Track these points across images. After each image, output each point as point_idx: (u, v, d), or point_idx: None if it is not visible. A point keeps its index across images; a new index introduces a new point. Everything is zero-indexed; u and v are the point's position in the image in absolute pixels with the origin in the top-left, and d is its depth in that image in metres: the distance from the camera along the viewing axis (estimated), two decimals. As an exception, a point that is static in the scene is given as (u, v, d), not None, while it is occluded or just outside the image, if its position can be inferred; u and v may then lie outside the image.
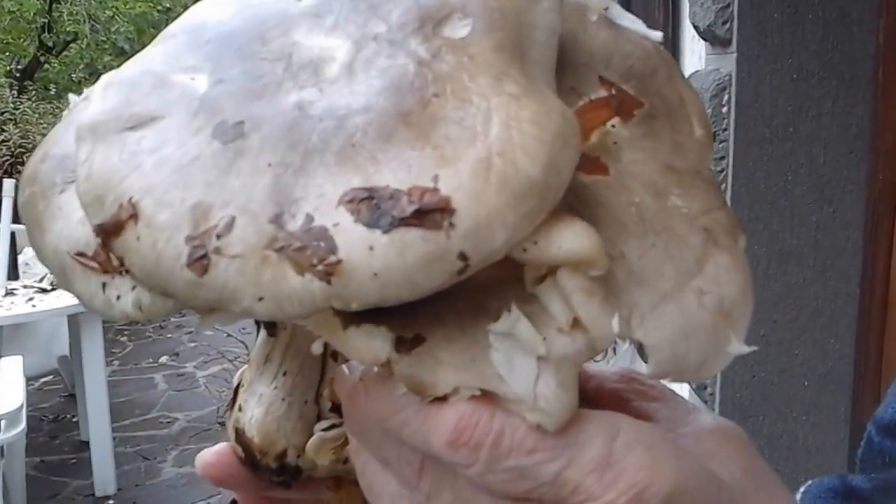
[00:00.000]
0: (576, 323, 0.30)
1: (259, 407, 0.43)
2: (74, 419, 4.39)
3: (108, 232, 0.29)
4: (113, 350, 5.45)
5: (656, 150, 0.36)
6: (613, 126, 0.35)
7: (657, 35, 0.38)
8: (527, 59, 0.31)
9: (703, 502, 0.30)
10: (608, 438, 0.30)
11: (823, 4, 1.75)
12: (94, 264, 0.30)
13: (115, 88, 0.31)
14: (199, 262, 0.27)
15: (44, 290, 3.65)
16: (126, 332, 5.94)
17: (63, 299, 3.58)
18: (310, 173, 0.28)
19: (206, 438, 4.26)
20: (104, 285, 0.30)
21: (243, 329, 5.77)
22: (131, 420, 4.53)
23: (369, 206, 0.27)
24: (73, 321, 3.80)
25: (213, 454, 0.45)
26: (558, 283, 0.30)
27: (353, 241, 0.26)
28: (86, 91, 0.35)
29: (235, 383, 0.45)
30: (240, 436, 0.43)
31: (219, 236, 0.27)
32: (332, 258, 0.26)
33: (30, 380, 3.64)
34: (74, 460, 4.11)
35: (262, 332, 0.44)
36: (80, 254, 0.30)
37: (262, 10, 0.33)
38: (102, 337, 3.77)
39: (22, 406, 2.79)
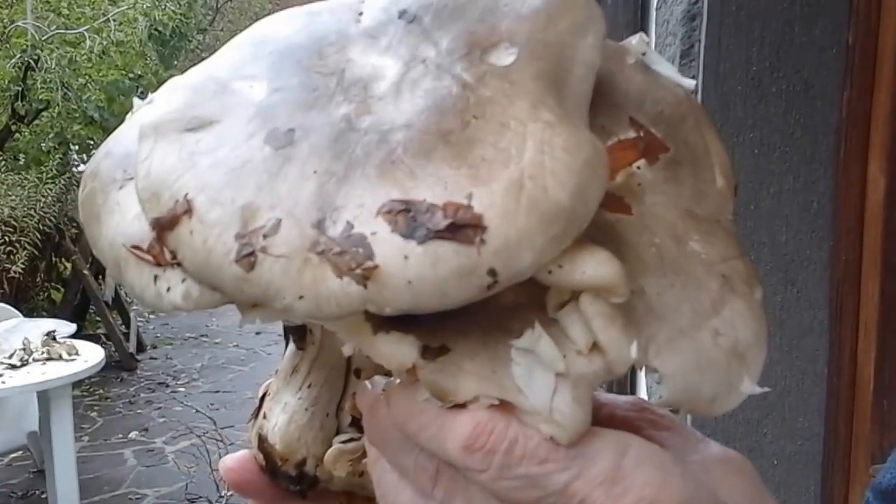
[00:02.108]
0: (594, 347, 0.31)
1: (283, 415, 0.44)
2: (43, 496, 4.19)
3: (164, 226, 0.30)
4: (83, 426, 5.32)
5: (678, 196, 0.37)
6: (639, 168, 0.36)
7: (690, 83, 0.39)
8: (564, 91, 0.32)
9: None
10: (618, 454, 0.30)
11: (787, 77, 1.72)
12: (149, 257, 0.31)
13: (180, 92, 0.33)
14: (247, 258, 0.28)
15: (13, 367, 3.53)
16: (96, 408, 5.83)
17: (33, 375, 3.46)
18: (352, 183, 0.29)
19: (176, 516, 4.19)
20: (156, 278, 0.31)
21: (211, 405, 5.74)
22: (101, 497, 4.40)
23: (406, 217, 0.28)
24: (43, 397, 3.68)
25: (234, 460, 0.46)
26: (580, 307, 0.31)
27: (390, 249, 0.28)
28: (150, 95, 0.36)
29: (261, 393, 0.47)
30: (262, 442, 0.44)
31: (265, 236, 0.28)
32: (370, 263, 0.27)
33: (-1, 456, 3.55)
34: (43, 539, 3.96)
35: (291, 345, 0.45)
36: (136, 247, 0.32)
37: (323, 28, 0.35)
38: (72, 412, 3.69)
39: (-11, 484, 2.64)
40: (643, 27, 2.02)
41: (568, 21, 0.34)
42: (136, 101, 0.38)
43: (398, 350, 0.30)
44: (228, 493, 4.36)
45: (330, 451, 0.43)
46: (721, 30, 1.77)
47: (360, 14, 0.36)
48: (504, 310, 0.32)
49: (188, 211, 0.29)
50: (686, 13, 1.79)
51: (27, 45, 7.10)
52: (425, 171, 0.28)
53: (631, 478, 0.30)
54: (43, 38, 7.19)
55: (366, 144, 0.30)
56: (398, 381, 0.34)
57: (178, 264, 0.30)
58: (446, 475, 0.33)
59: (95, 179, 0.34)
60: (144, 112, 0.35)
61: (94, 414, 5.76)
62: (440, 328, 0.31)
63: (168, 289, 0.31)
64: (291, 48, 0.34)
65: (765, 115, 1.77)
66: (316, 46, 0.34)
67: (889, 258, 1.72)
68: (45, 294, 7.16)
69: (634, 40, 0.40)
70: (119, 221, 0.32)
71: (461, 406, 0.31)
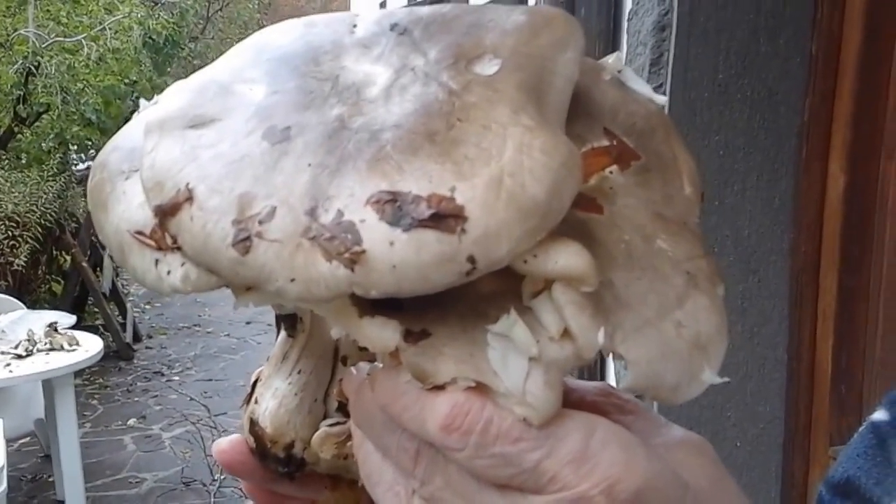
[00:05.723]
0: (565, 333, 0.31)
1: (273, 400, 0.44)
2: (51, 479, 4.32)
3: (166, 212, 0.31)
4: (85, 413, 5.36)
5: (648, 199, 0.38)
6: (611, 173, 0.37)
7: (662, 99, 0.40)
8: (544, 100, 0.33)
9: (670, 500, 0.32)
10: (586, 435, 0.31)
11: (752, 84, 1.74)
12: (151, 242, 0.32)
13: (184, 93, 0.34)
14: (243, 243, 0.29)
15: (19, 357, 3.58)
16: (96, 396, 5.85)
17: (37, 365, 3.51)
18: (343, 175, 0.30)
19: (173, 498, 4.27)
20: (157, 261, 0.32)
21: (205, 393, 5.76)
22: (103, 480, 4.48)
23: (393, 207, 0.29)
24: (47, 386, 3.72)
25: (227, 442, 0.46)
26: (553, 295, 0.31)
27: (377, 236, 0.28)
28: (156, 97, 0.37)
29: (253, 380, 0.47)
30: (253, 426, 0.45)
31: (261, 222, 0.29)
32: (358, 248, 0.28)
33: (8, 441, 3.49)
34: (51, 520, 4.03)
35: (282, 333, 0.45)
36: (139, 232, 0.32)
37: (319, 38, 0.36)
38: (75, 400, 3.72)
39: (3, 467, 2.69)
40: (615, 37, 2.03)
41: (549, 36, 0.35)
42: (142, 101, 0.39)
43: (382, 333, 0.31)
44: (222, 477, 4.42)
45: (317, 433, 0.43)
46: (689, 40, 1.78)
47: (355, 26, 0.37)
48: (482, 297, 0.33)
49: (189, 199, 0.30)
50: (656, 24, 1.81)
51: (28, 52, 7.12)
52: (412, 166, 0.29)
53: (598, 457, 0.31)
54: (43, 46, 7.21)
55: (357, 141, 0.30)
56: (382, 366, 0.35)
57: (178, 249, 0.31)
58: (426, 455, 0.33)
59: (104, 170, 0.35)
60: (151, 111, 0.36)
61: (94, 402, 5.77)
62: (422, 314, 0.32)
63: (168, 272, 0.32)
64: (289, 55, 0.35)
65: (730, 119, 1.78)
66: (312, 54, 0.35)
67: (847, 251, 1.72)
68: (47, 286, 7.14)
69: (611, 59, 0.41)
70: (124, 209, 0.33)
71: (440, 388, 0.32)
